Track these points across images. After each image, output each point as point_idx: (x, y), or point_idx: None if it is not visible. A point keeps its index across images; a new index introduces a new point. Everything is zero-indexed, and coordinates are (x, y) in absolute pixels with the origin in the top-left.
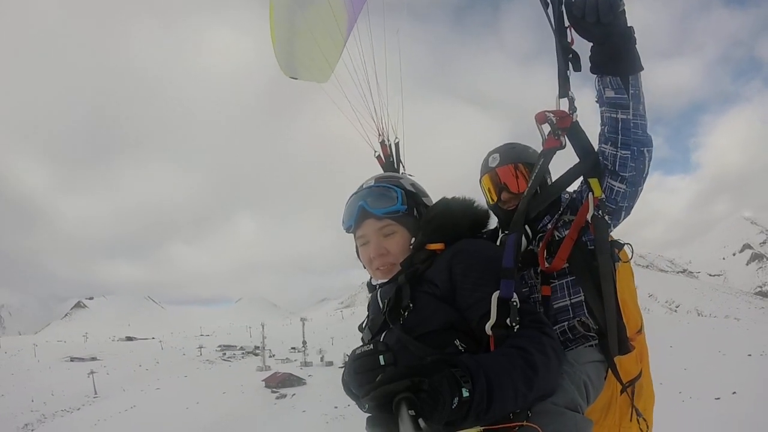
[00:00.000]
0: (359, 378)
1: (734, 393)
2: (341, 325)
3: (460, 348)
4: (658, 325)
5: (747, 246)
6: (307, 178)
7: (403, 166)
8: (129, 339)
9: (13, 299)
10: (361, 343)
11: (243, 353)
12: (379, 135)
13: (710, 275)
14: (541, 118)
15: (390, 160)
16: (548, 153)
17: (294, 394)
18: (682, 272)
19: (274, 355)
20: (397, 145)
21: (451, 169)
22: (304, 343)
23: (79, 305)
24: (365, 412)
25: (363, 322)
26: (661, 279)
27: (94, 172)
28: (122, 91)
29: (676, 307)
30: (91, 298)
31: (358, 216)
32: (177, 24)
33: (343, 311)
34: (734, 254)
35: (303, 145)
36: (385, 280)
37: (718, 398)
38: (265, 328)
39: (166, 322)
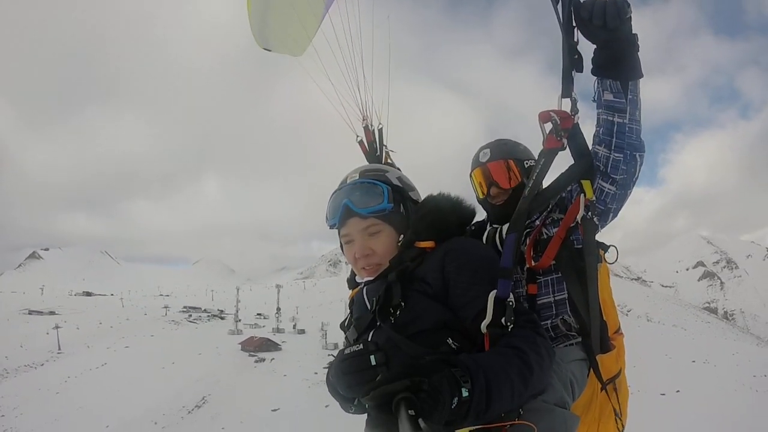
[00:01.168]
0: (348, 379)
1: (678, 391)
2: (304, 295)
3: (453, 347)
4: None
5: (700, 263)
6: (279, 145)
7: (386, 152)
8: (87, 294)
9: None
10: (346, 343)
11: (209, 316)
12: (363, 119)
13: (663, 286)
14: (545, 118)
15: (373, 146)
16: (549, 153)
17: (273, 359)
18: (635, 279)
19: (240, 320)
20: (380, 131)
21: (428, 153)
22: (278, 309)
23: (34, 255)
24: (352, 414)
25: (345, 321)
26: (615, 283)
27: (62, 116)
28: (100, 31)
29: (628, 311)
30: (46, 249)
31: (342, 214)
32: None
33: (305, 282)
34: (687, 269)
35: (281, 111)
36: (371, 279)
37: (663, 394)
38: (225, 293)
39: (122, 278)
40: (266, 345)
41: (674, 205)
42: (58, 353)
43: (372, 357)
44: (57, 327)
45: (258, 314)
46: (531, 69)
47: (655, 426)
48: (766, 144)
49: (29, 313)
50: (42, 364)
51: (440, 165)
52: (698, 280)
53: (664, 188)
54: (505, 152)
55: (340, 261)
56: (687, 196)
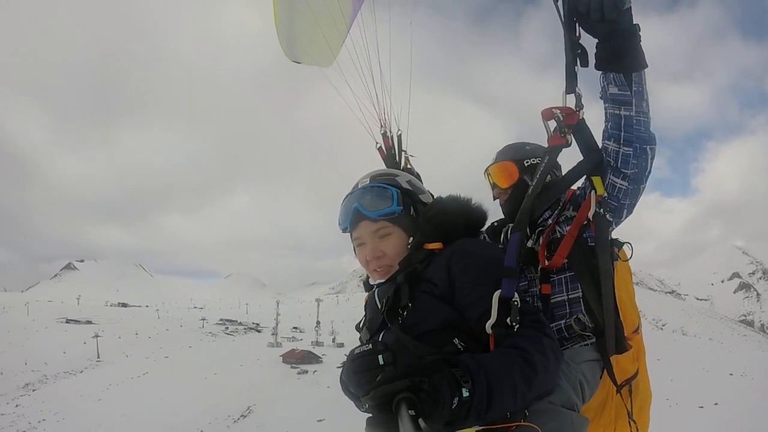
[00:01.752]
0: (358, 378)
1: (716, 404)
2: (338, 309)
3: (459, 347)
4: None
5: (736, 275)
6: (309, 159)
7: (406, 158)
8: (123, 305)
9: None
10: (359, 343)
11: (246, 329)
12: (381, 126)
13: (697, 299)
14: (548, 115)
15: (392, 152)
16: (553, 150)
17: (316, 371)
18: (670, 293)
19: (276, 334)
20: (399, 137)
21: (453, 163)
22: (318, 323)
23: (69, 267)
24: (364, 411)
25: (360, 322)
26: (650, 297)
27: (95, 131)
28: (132, 48)
29: (663, 325)
30: (81, 261)
31: (353, 218)
32: None
33: (338, 296)
34: (723, 281)
35: (311, 123)
36: (383, 280)
37: (702, 407)
38: (260, 306)
39: (156, 290)
40: (308, 357)
41: (707, 214)
42: (98, 361)
43: (380, 357)
44: (96, 336)
45: (294, 328)
46: (558, 79)
47: None
48: None
49: (66, 322)
50: (81, 372)
51: (465, 172)
52: (734, 292)
53: (697, 198)
54: (505, 154)
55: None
56: (720, 204)
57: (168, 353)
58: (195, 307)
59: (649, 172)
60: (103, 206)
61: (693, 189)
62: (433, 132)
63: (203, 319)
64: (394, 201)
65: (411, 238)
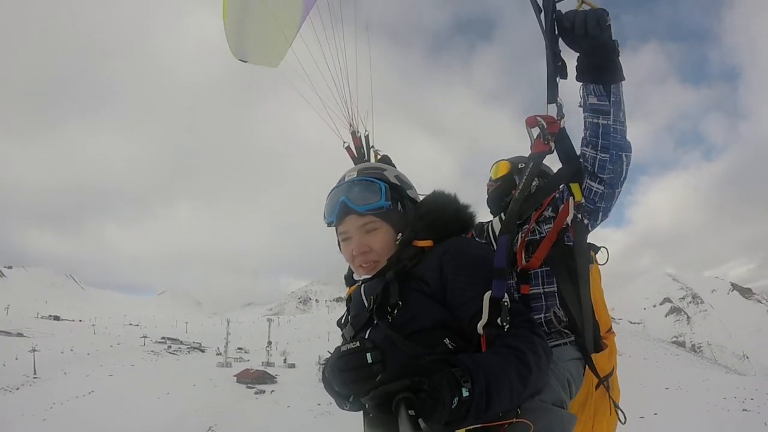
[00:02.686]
0: (344, 376)
1: (655, 414)
2: (281, 330)
3: (450, 346)
4: None
5: (667, 299)
6: (255, 175)
7: (375, 154)
8: (56, 318)
9: None
10: (343, 340)
11: (189, 348)
12: (350, 126)
13: (631, 322)
14: (532, 122)
15: (361, 151)
16: (537, 157)
17: (273, 391)
18: None
19: (221, 353)
20: (366, 137)
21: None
22: (269, 343)
23: None
24: (347, 410)
25: (342, 318)
26: None
27: (34, 126)
28: (87, 44)
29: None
30: (9, 267)
31: (340, 211)
32: None
33: (278, 318)
34: (654, 305)
35: (261, 139)
36: (368, 276)
37: (643, 417)
38: (202, 326)
39: (86, 304)
40: (263, 377)
41: (640, 244)
42: (34, 377)
43: (368, 355)
44: (34, 350)
45: (239, 348)
46: (505, 112)
47: None
48: (727, 184)
49: None
50: (17, 388)
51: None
52: (665, 316)
53: (630, 228)
54: (506, 159)
55: (309, 299)
56: (652, 235)
57: (110, 371)
58: (131, 324)
59: (625, 177)
60: (37, 209)
61: (627, 220)
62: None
63: (144, 337)
64: (382, 195)
65: (399, 234)
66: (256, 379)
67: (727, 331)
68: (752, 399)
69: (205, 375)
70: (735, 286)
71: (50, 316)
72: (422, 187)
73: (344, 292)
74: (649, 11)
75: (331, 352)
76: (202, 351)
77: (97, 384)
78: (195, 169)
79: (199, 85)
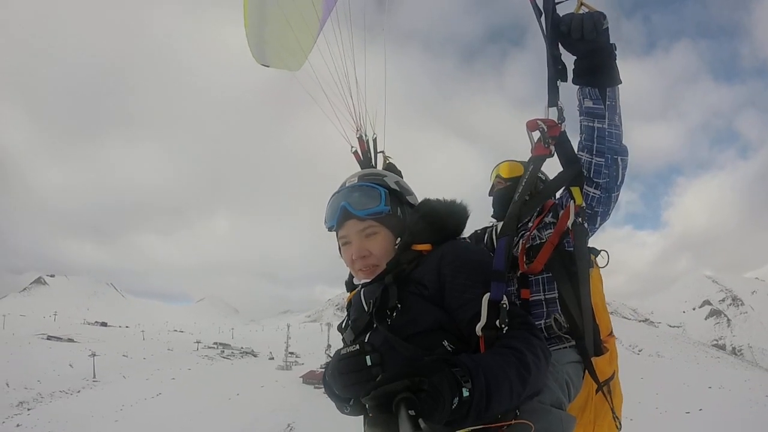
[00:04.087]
0: (344, 378)
1: (700, 410)
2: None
3: (449, 349)
4: (625, 362)
5: (707, 302)
6: (290, 185)
7: (384, 158)
8: (103, 324)
9: None
10: (343, 344)
11: (241, 353)
12: (357, 130)
13: (670, 326)
14: (533, 126)
15: (367, 156)
16: (537, 160)
17: None
18: (643, 321)
19: (273, 358)
20: (375, 140)
21: (433, 194)
22: (329, 346)
23: (39, 281)
24: (346, 414)
25: (342, 323)
26: (624, 325)
27: (80, 142)
28: (129, 61)
29: (639, 350)
30: (52, 276)
31: (340, 216)
32: (198, 7)
33: (322, 324)
34: (694, 309)
35: (298, 149)
36: (368, 281)
37: (688, 412)
38: (251, 332)
39: (127, 311)
40: None
41: (678, 246)
42: (94, 381)
43: (368, 357)
44: (93, 355)
45: (290, 353)
46: (537, 116)
47: None
48: (764, 182)
49: (47, 339)
50: (78, 391)
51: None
52: (705, 319)
53: (667, 231)
54: (519, 160)
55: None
56: (690, 237)
57: (171, 375)
58: (175, 330)
59: (621, 181)
60: (78, 220)
61: (663, 222)
62: (419, 167)
63: (198, 342)
64: (381, 200)
65: (398, 239)
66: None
67: None
68: None
69: (268, 377)
70: None
71: (96, 322)
72: (457, 194)
73: None
74: (678, 10)
75: (331, 356)
76: (255, 355)
77: (161, 387)
78: (231, 181)
79: (236, 97)
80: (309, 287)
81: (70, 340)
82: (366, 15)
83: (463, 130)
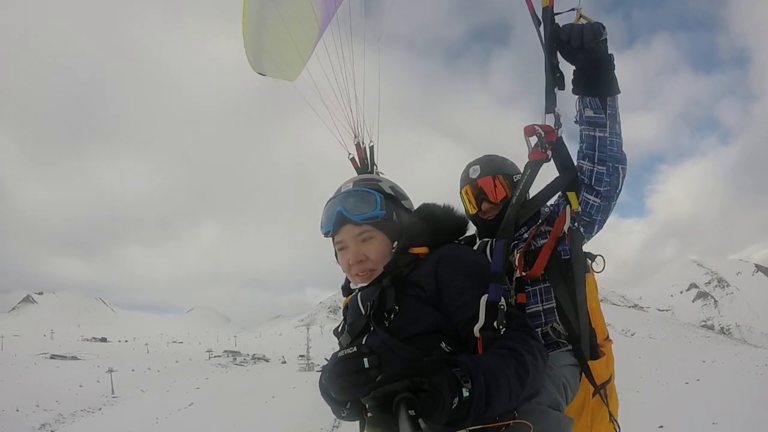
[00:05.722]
0: (341, 381)
1: (698, 380)
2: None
3: (446, 350)
4: (621, 345)
5: (693, 285)
6: (275, 192)
7: (377, 168)
8: (103, 340)
9: None
10: (340, 347)
11: (254, 359)
12: (355, 137)
13: (659, 310)
14: (530, 131)
15: (365, 163)
16: (535, 164)
17: None
18: (633, 307)
19: (286, 362)
20: (371, 148)
21: (424, 195)
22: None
23: (27, 299)
24: (342, 419)
25: (339, 327)
26: (615, 311)
27: (64, 157)
28: (113, 75)
29: (632, 334)
30: (40, 293)
31: (336, 221)
32: (180, 18)
33: (321, 327)
34: (681, 292)
35: (283, 157)
36: (365, 284)
37: (687, 383)
38: (255, 338)
39: (118, 325)
40: None
41: (663, 233)
42: (114, 397)
43: (365, 360)
44: (111, 371)
45: (301, 356)
46: (522, 114)
47: (691, 404)
48: (745, 166)
49: (51, 358)
50: (99, 409)
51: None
52: (693, 301)
53: (651, 218)
54: (494, 168)
55: (339, 308)
56: (674, 223)
57: (193, 385)
58: (174, 342)
59: (620, 189)
60: (64, 236)
61: (648, 210)
62: (406, 167)
63: (209, 351)
64: (377, 205)
65: (395, 243)
66: None
67: (755, 311)
68: None
69: (295, 380)
70: (760, 268)
71: (95, 338)
72: (442, 192)
73: None
74: (657, 5)
75: (328, 359)
76: (267, 361)
77: (189, 397)
78: (216, 191)
79: (218, 108)
80: (299, 291)
81: (74, 358)
82: (365, 21)
83: (448, 130)
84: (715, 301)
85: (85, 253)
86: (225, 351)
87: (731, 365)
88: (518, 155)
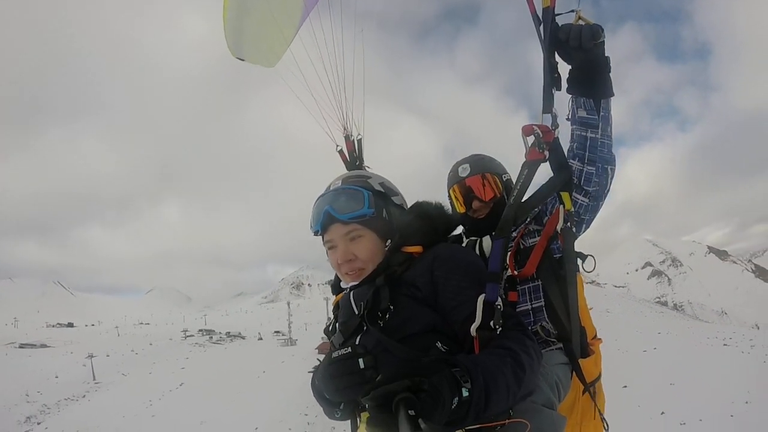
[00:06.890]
0: (336, 382)
1: (655, 348)
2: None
3: (442, 350)
4: None
5: (648, 264)
6: (238, 169)
7: (363, 163)
8: (69, 325)
9: None
10: (332, 348)
11: (231, 337)
12: (344, 130)
13: (615, 287)
14: (528, 131)
15: (353, 156)
16: (532, 164)
17: None
18: (590, 283)
19: (262, 338)
20: (359, 141)
21: (392, 173)
22: (329, 319)
23: None
24: (336, 420)
25: (329, 326)
26: None
27: (15, 135)
28: (65, 43)
29: (590, 308)
30: None
31: (324, 220)
32: None
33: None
34: (636, 270)
35: (245, 135)
36: (356, 283)
37: (645, 351)
38: (222, 316)
39: (79, 309)
40: None
41: (619, 213)
42: (96, 383)
43: (360, 360)
44: (91, 356)
45: (276, 331)
46: (489, 93)
47: (649, 368)
48: (701, 153)
49: (20, 347)
50: (84, 396)
51: (403, 183)
52: (647, 279)
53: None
54: (483, 167)
55: (302, 283)
56: (631, 204)
57: (176, 365)
58: (141, 323)
59: (608, 190)
60: (17, 218)
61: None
62: (373, 144)
63: (184, 331)
64: (365, 203)
65: (388, 241)
66: None
67: (706, 290)
68: (730, 338)
69: (281, 354)
70: (711, 249)
71: (59, 324)
72: (409, 171)
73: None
74: None
75: (320, 360)
76: (243, 338)
77: (175, 378)
78: (179, 169)
79: (183, 85)
80: (261, 268)
81: (44, 346)
82: (343, 7)
83: (415, 107)
84: (669, 279)
85: (43, 235)
86: (200, 330)
87: (684, 337)
88: (480, 134)
